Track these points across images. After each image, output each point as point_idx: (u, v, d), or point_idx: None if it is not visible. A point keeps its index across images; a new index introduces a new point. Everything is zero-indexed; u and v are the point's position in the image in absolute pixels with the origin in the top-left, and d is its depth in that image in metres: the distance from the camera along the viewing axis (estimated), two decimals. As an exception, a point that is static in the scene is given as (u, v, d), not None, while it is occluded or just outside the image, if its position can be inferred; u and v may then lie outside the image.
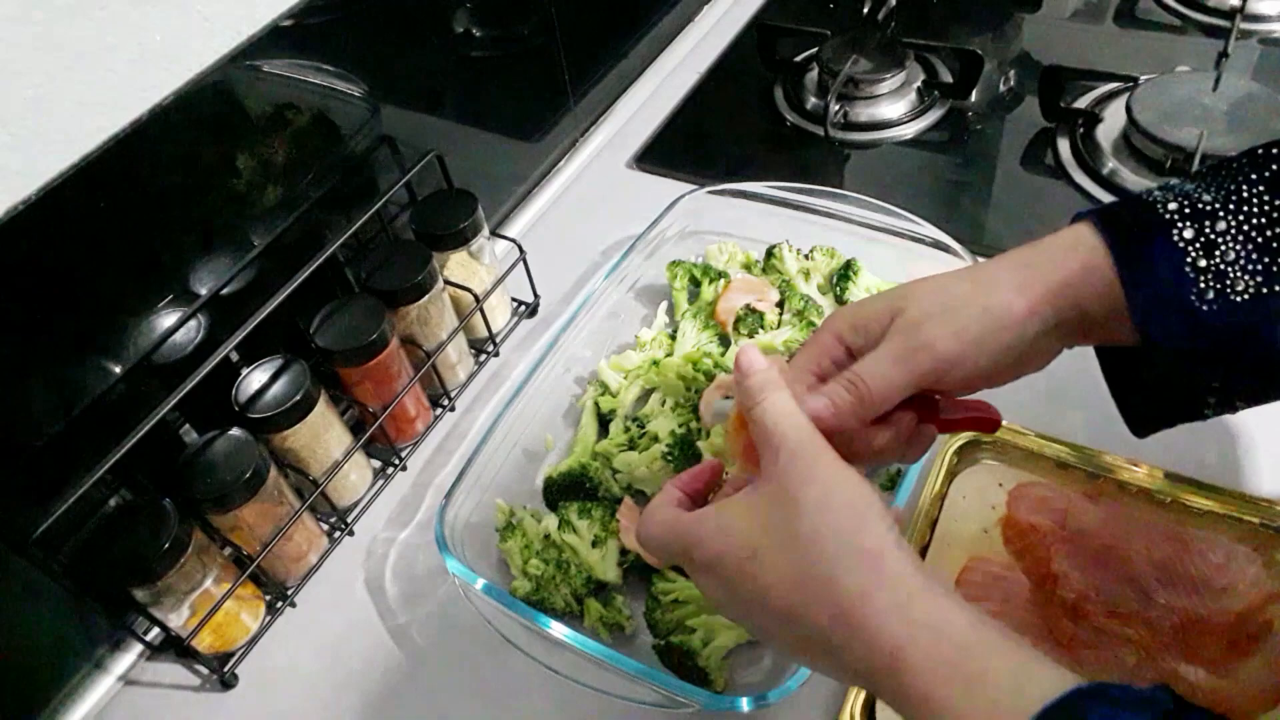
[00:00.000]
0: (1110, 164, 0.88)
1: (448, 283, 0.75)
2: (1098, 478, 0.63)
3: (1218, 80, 0.87)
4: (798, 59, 1.09)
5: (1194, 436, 0.65)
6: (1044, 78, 0.93)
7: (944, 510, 0.63)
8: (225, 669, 0.64)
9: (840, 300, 0.76)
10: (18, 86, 0.48)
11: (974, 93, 1.00)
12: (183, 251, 0.62)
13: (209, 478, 0.59)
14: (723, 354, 0.73)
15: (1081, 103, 0.95)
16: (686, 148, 1.02)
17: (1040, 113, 0.94)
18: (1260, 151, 0.40)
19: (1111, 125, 0.91)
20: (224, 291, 0.65)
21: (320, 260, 0.67)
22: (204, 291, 0.64)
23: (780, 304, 0.77)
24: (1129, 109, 0.87)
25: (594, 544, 0.63)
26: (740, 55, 1.13)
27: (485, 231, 0.78)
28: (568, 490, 0.67)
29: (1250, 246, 0.39)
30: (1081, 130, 0.92)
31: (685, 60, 1.14)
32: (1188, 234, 0.40)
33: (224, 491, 0.59)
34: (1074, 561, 0.59)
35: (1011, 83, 1.02)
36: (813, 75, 1.04)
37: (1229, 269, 0.39)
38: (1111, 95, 0.95)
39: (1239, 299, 0.39)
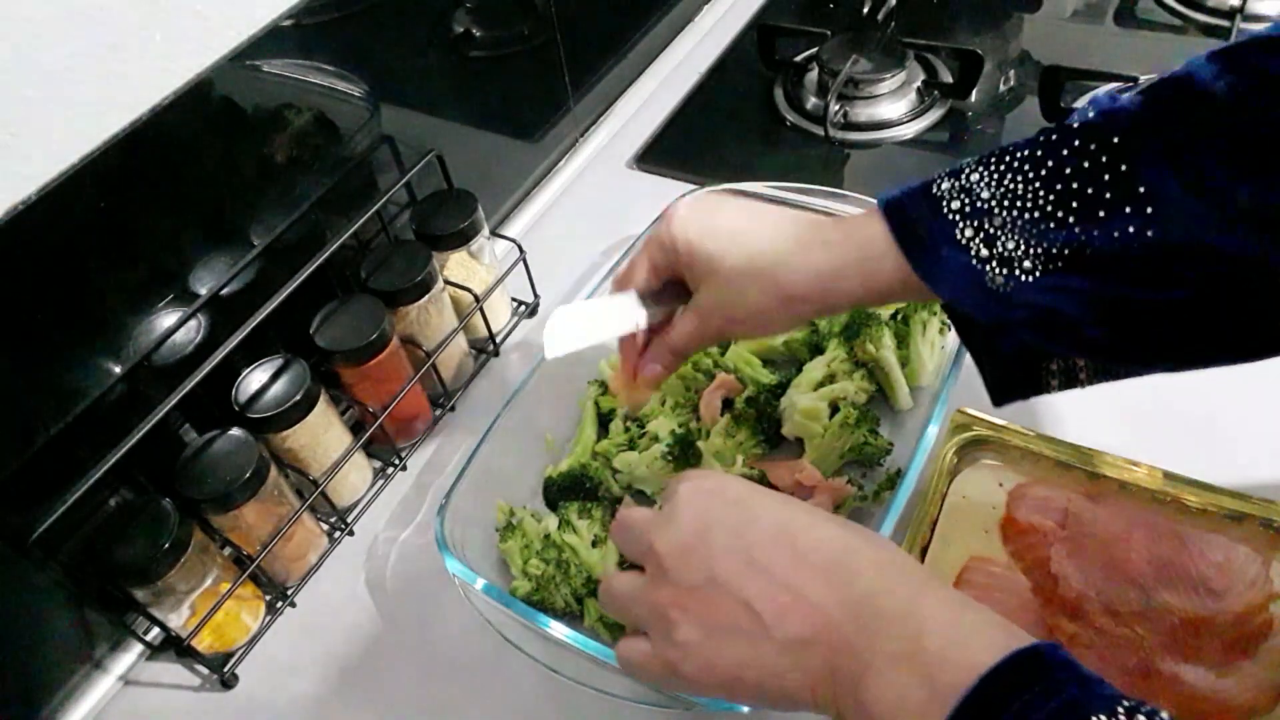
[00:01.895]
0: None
1: (448, 283, 0.75)
2: (1098, 478, 0.63)
3: (1218, 80, 0.87)
4: (798, 59, 1.09)
5: (1194, 436, 0.66)
6: (1044, 78, 0.93)
7: (944, 510, 0.63)
8: (225, 669, 0.64)
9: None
10: (18, 86, 0.48)
11: (974, 93, 1.00)
12: (183, 251, 0.62)
13: (209, 478, 0.59)
14: (722, 354, 0.73)
15: (1081, 103, 0.95)
16: (686, 148, 1.02)
17: (1040, 113, 0.94)
18: (1043, 137, 0.43)
19: (1111, 125, 0.91)
20: (224, 291, 0.65)
21: (320, 260, 0.67)
22: (204, 291, 0.64)
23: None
24: (1129, 109, 0.86)
25: (594, 544, 0.63)
26: (740, 55, 1.13)
27: (485, 231, 0.78)
28: (568, 490, 0.67)
29: (1028, 234, 0.42)
30: (1081, 130, 0.92)
31: (685, 60, 1.14)
32: (968, 232, 0.43)
33: (224, 491, 0.59)
34: (1074, 561, 0.59)
35: (1011, 83, 1.02)
36: (813, 75, 1.04)
37: (1012, 254, 0.42)
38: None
39: (1028, 278, 0.42)
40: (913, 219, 0.45)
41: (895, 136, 0.98)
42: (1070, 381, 0.48)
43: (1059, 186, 0.41)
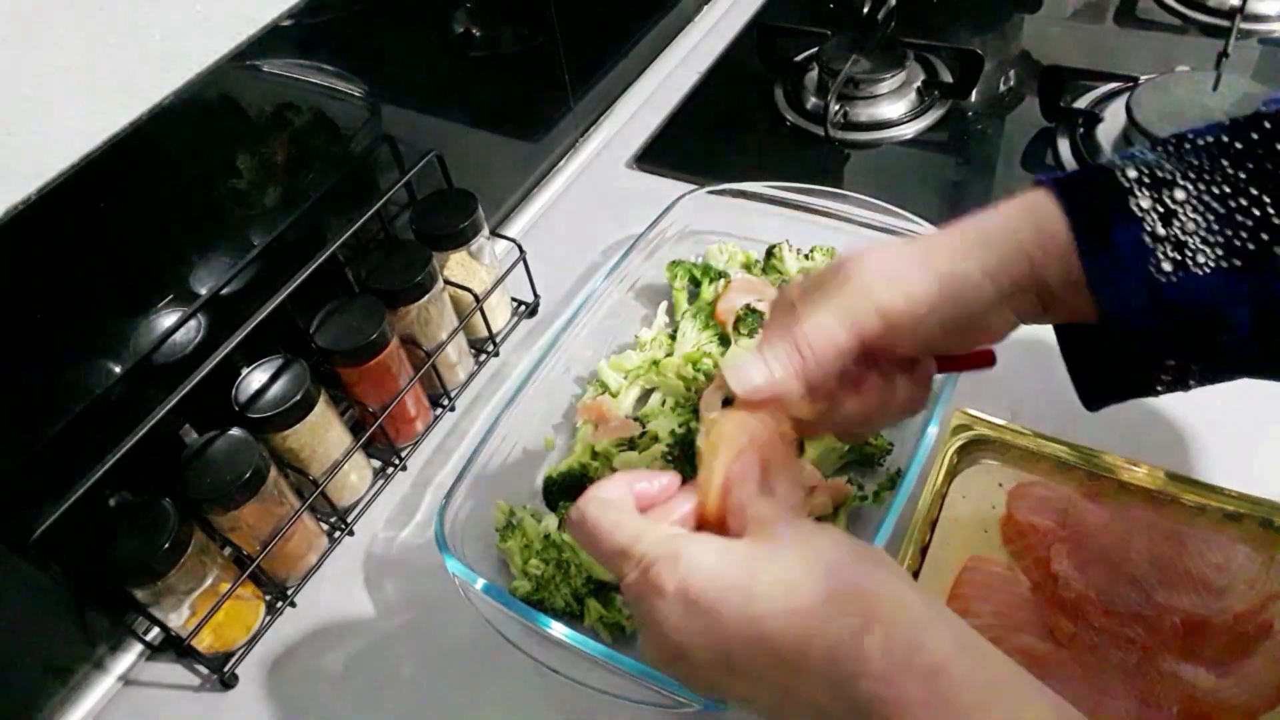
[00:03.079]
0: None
1: (448, 283, 0.75)
2: (1098, 478, 0.63)
3: (1218, 80, 0.87)
4: (798, 59, 1.09)
5: (1194, 437, 0.66)
6: (1044, 78, 0.93)
7: (944, 510, 0.63)
8: (225, 669, 0.64)
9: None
10: (17, 86, 0.48)
11: (974, 93, 0.99)
12: (183, 251, 0.62)
13: (209, 478, 0.59)
14: (723, 354, 0.73)
15: (1081, 103, 0.95)
16: (686, 148, 1.02)
17: (1040, 113, 0.94)
18: (1228, 126, 0.39)
19: (1111, 125, 0.91)
20: (224, 291, 0.65)
21: (320, 260, 0.67)
22: (204, 291, 0.64)
23: (780, 304, 0.77)
24: (1129, 109, 0.87)
25: (594, 544, 0.63)
26: (740, 55, 1.13)
27: (485, 231, 0.78)
28: (568, 490, 0.67)
29: (1211, 216, 0.38)
30: (1082, 130, 0.92)
31: (685, 60, 1.14)
32: (1145, 202, 0.38)
33: (224, 491, 0.59)
34: (1074, 561, 0.59)
35: (1011, 83, 1.02)
36: (813, 75, 1.04)
37: (1189, 239, 0.38)
38: (1111, 95, 0.95)
39: (1200, 271, 0.38)
40: (1083, 187, 0.40)
41: (895, 136, 0.98)
42: (1178, 385, 0.43)
43: (1251, 165, 0.37)
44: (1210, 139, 0.39)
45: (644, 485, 0.43)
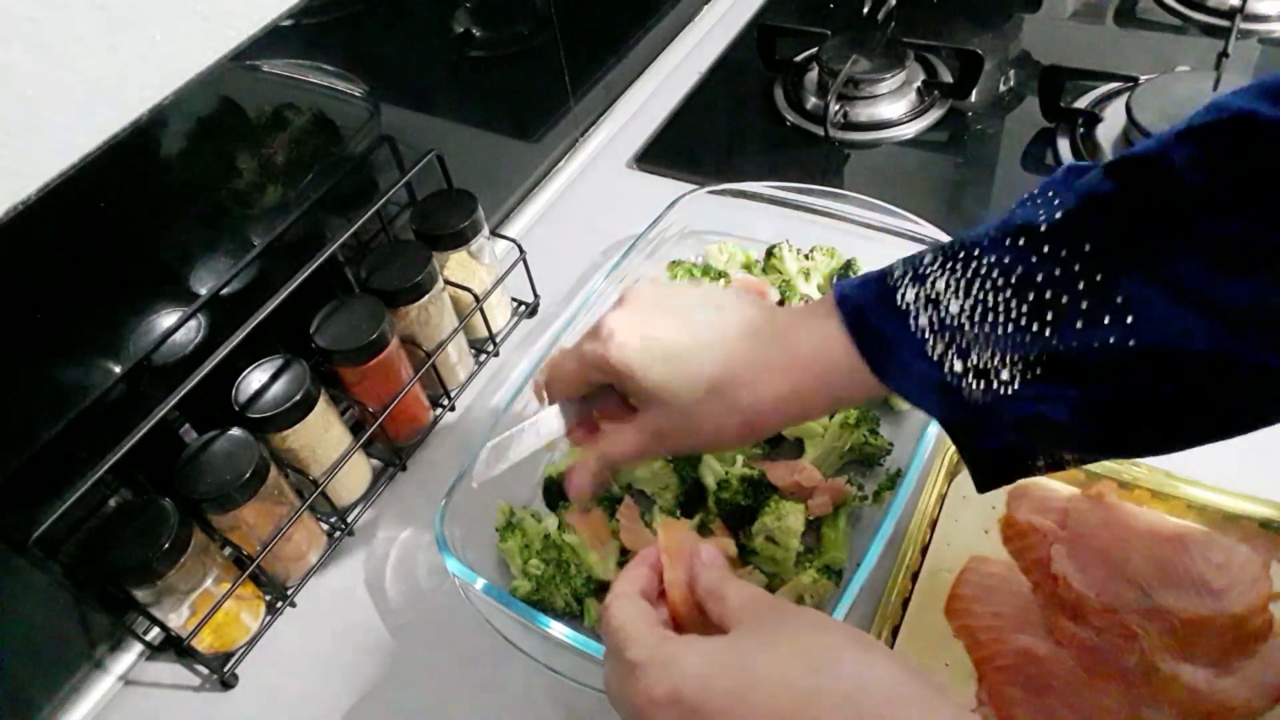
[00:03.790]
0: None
1: (448, 283, 0.75)
2: (1098, 478, 0.63)
3: (1218, 80, 0.87)
4: (798, 59, 1.09)
5: (1194, 436, 0.66)
6: (1044, 78, 0.93)
7: (944, 510, 0.63)
8: (225, 669, 0.64)
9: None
10: (17, 86, 0.48)
11: (974, 93, 0.99)
12: (183, 251, 0.62)
13: (209, 478, 0.59)
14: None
15: (1081, 103, 0.95)
16: (686, 148, 1.02)
17: (1040, 113, 0.94)
18: (1006, 240, 0.41)
19: (1111, 125, 0.91)
20: (224, 291, 0.65)
21: (320, 260, 0.67)
22: (204, 291, 0.64)
23: (780, 304, 0.77)
24: (1129, 109, 0.87)
25: (594, 544, 0.63)
26: (740, 55, 1.13)
27: (485, 231, 0.78)
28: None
29: (1001, 348, 0.40)
30: (1081, 130, 0.92)
31: (685, 60, 1.14)
32: (939, 348, 0.41)
33: (224, 491, 0.59)
34: (1074, 561, 0.59)
35: (1011, 83, 1.02)
36: (813, 75, 1.04)
37: (987, 367, 0.40)
38: (1111, 95, 0.95)
39: (1008, 390, 0.40)
40: (878, 333, 0.43)
41: (895, 136, 0.98)
42: (1056, 466, 0.45)
43: (1031, 296, 0.39)
44: (993, 259, 0.40)
45: (649, 577, 0.44)
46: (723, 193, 0.82)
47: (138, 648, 0.65)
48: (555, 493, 0.68)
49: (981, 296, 0.40)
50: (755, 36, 1.09)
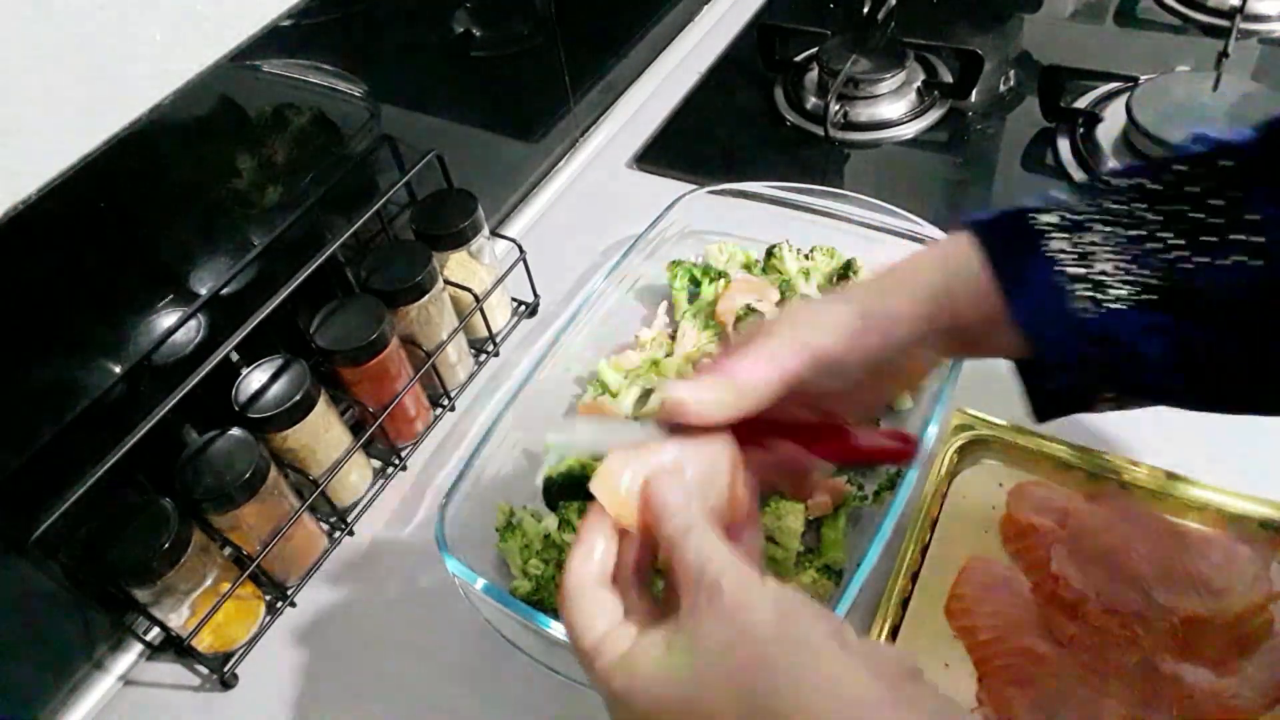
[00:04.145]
0: (1110, 164, 0.88)
1: (448, 283, 0.75)
2: (1098, 478, 0.63)
3: (1218, 80, 0.87)
4: (798, 59, 1.09)
5: (1194, 436, 0.66)
6: (1044, 78, 0.93)
7: (944, 510, 0.63)
8: (225, 669, 0.64)
9: (840, 300, 0.76)
10: (18, 86, 0.48)
11: (974, 93, 0.99)
12: (183, 251, 0.62)
13: (209, 478, 0.59)
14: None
15: (1081, 103, 0.95)
16: (686, 148, 1.02)
17: (1040, 113, 0.94)
18: (1146, 168, 0.41)
19: (1111, 125, 0.91)
20: (224, 291, 0.65)
21: (320, 260, 0.67)
22: (204, 291, 0.64)
23: (780, 304, 0.77)
24: (1129, 109, 0.87)
25: (594, 544, 0.63)
26: (740, 55, 1.13)
27: (485, 231, 0.78)
28: (568, 490, 0.67)
29: (1125, 257, 0.39)
30: (1081, 130, 0.92)
31: (685, 60, 1.14)
32: (1055, 244, 0.40)
33: (224, 491, 0.59)
34: (1074, 561, 0.59)
35: (1011, 83, 1.02)
36: (813, 75, 1.04)
37: (1104, 278, 0.39)
38: (1111, 95, 0.95)
39: (1116, 306, 0.39)
40: (998, 224, 0.42)
41: (895, 136, 0.98)
42: (1118, 407, 0.45)
43: (1162, 207, 0.39)
44: (1129, 182, 0.40)
45: (603, 548, 0.41)
46: (723, 193, 0.82)
47: (138, 648, 0.65)
48: (555, 493, 0.68)
49: (1110, 205, 0.40)
50: (755, 36, 1.09)
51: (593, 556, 0.40)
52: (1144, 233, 0.39)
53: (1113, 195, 0.40)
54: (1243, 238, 0.37)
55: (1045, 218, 0.41)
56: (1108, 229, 0.40)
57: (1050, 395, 0.46)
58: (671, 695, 0.36)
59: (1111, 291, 0.39)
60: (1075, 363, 0.41)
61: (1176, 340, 0.38)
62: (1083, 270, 0.40)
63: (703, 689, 0.35)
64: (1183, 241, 0.38)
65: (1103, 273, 0.39)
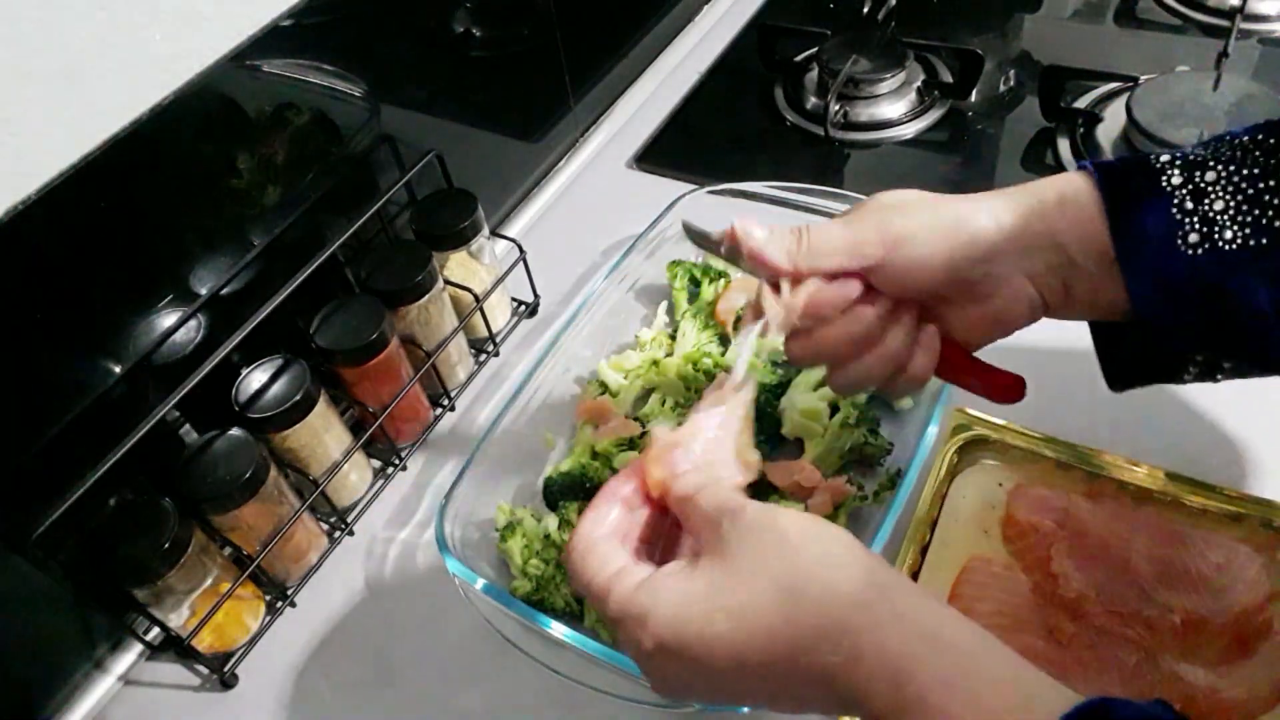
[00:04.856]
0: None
1: (448, 283, 0.75)
2: (1098, 478, 0.63)
3: (1218, 80, 0.87)
4: (798, 59, 1.09)
5: (1194, 437, 0.66)
6: (1044, 78, 0.93)
7: (944, 510, 0.63)
8: (225, 669, 0.64)
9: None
10: (18, 86, 0.48)
11: (974, 93, 0.99)
12: (183, 251, 0.62)
13: (209, 478, 0.59)
14: (723, 354, 0.73)
15: (1081, 103, 0.95)
16: (686, 148, 1.02)
17: (1040, 113, 0.94)
18: (1265, 124, 0.41)
19: (1111, 125, 0.91)
20: (224, 291, 0.65)
21: (320, 260, 0.67)
22: (204, 291, 0.64)
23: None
24: (1129, 109, 0.87)
25: (594, 544, 0.63)
26: (740, 55, 1.13)
27: (485, 231, 0.78)
28: (568, 490, 0.67)
29: (1240, 197, 0.39)
30: (1081, 130, 0.92)
31: (685, 60, 1.14)
32: (1176, 179, 0.40)
33: (224, 491, 0.59)
34: (1074, 561, 0.59)
35: (1011, 83, 1.02)
36: (813, 75, 1.04)
37: (1217, 216, 0.39)
38: (1111, 95, 0.95)
39: (1227, 247, 0.38)
40: (1117, 166, 0.41)
41: (895, 136, 0.98)
42: (1206, 376, 0.44)
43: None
44: (1246, 137, 0.40)
45: (618, 513, 0.43)
46: (723, 193, 0.82)
47: (138, 648, 0.65)
48: (555, 493, 0.68)
49: (1228, 151, 0.40)
50: (755, 36, 1.09)
51: (604, 520, 0.43)
52: (1260, 172, 0.38)
53: (1232, 146, 0.40)
54: None
55: (1164, 156, 0.40)
56: (1225, 169, 0.39)
57: (1132, 360, 0.45)
58: (700, 594, 0.37)
59: (1223, 230, 0.38)
60: (1175, 307, 0.40)
61: None
62: (1195, 206, 0.39)
63: (735, 581, 0.37)
64: None
65: (1216, 210, 0.39)
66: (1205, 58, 0.98)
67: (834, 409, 0.67)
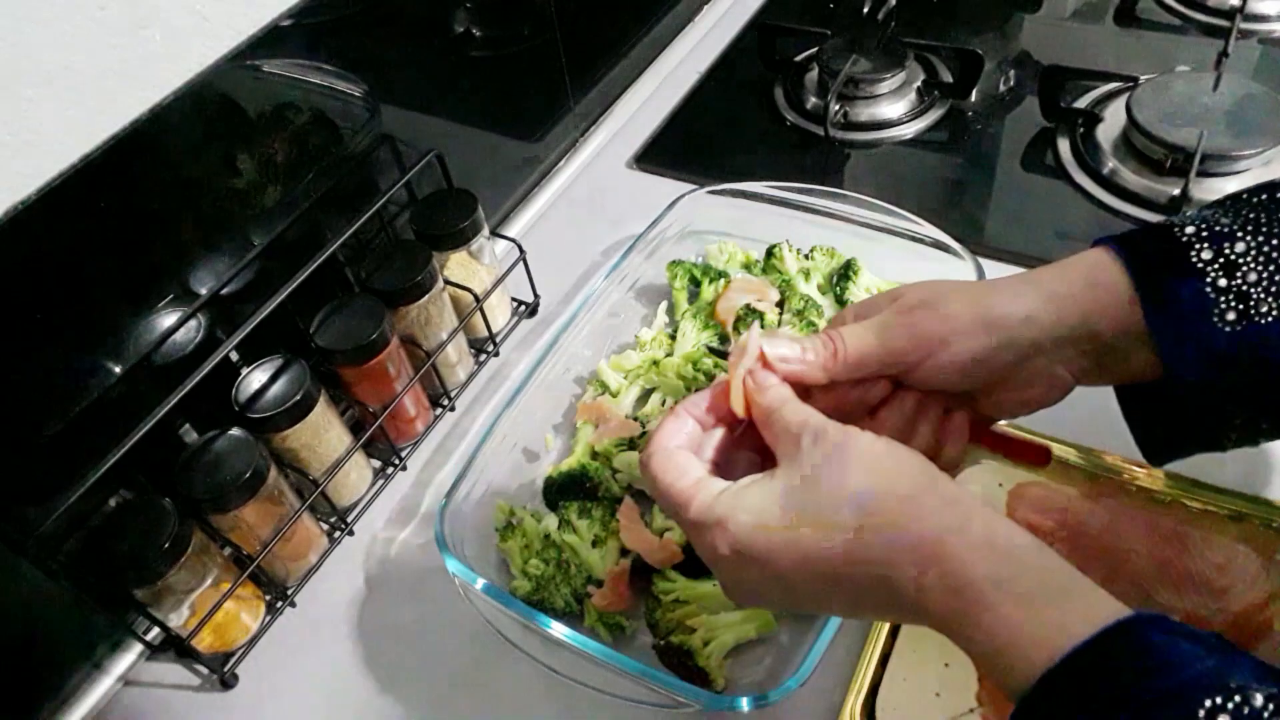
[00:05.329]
0: (1110, 164, 0.88)
1: (448, 283, 0.75)
2: (1098, 478, 0.63)
3: (1218, 80, 0.87)
4: (798, 59, 1.09)
5: (1194, 436, 0.66)
6: (1044, 78, 0.93)
7: (944, 510, 0.63)
8: (225, 669, 0.64)
9: (840, 300, 0.76)
10: (18, 86, 0.48)
11: (974, 93, 1.00)
12: (183, 251, 0.62)
13: (209, 478, 0.59)
14: (723, 354, 0.73)
15: (1081, 103, 0.95)
16: (686, 148, 1.02)
17: (1040, 113, 0.94)
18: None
19: (1111, 125, 0.91)
20: (224, 291, 0.65)
21: (320, 260, 0.67)
22: (204, 291, 0.64)
23: (780, 304, 0.77)
24: (1129, 109, 0.87)
25: (594, 544, 0.63)
26: (740, 55, 1.13)
27: (485, 231, 0.78)
28: (568, 490, 0.67)
29: (1272, 268, 0.38)
30: (1081, 130, 0.92)
31: (685, 60, 1.14)
32: (1206, 254, 0.39)
33: (224, 491, 0.59)
34: (1074, 561, 0.58)
35: (1011, 83, 1.02)
36: (813, 75, 1.04)
37: (1251, 290, 0.38)
38: (1111, 95, 0.95)
39: (1264, 320, 0.38)
40: (1142, 242, 0.41)
41: (895, 136, 0.98)
42: (1247, 440, 0.44)
43: None
44: (1264, 196, 0.40)
45: (692, 427, 0.46)
46: (723, 193, 0.82)
47: (138, 648, 0.65)
48: (555, 493, 0.68)
49: (1253, 216, 0.39)
50: (755, 36, 1.09)
51: (680, 431, 0.45)
52: None
53: (1254, 208, 0.40)
54: None
55: (1189, 229, 0.40)
56: (1254, 239, 0.39)
57: (1172, 431, 0.45)
58: (779, 503, 0.39)
59: (1260, 304, 0.38)
60: (1211, 380, 0.40)
61: None
62: (1228, 283, 0.39)
63: (816, 493, 0.38)
64: None
65: (1250, 283, 0.38)
66: (1205, 58, 0.98)
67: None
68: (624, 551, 0.63)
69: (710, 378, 0.71)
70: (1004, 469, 0.65)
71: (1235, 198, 0.41)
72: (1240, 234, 0.39)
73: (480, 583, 0.57)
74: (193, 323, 0.63)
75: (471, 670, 0.62)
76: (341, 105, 0.71)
